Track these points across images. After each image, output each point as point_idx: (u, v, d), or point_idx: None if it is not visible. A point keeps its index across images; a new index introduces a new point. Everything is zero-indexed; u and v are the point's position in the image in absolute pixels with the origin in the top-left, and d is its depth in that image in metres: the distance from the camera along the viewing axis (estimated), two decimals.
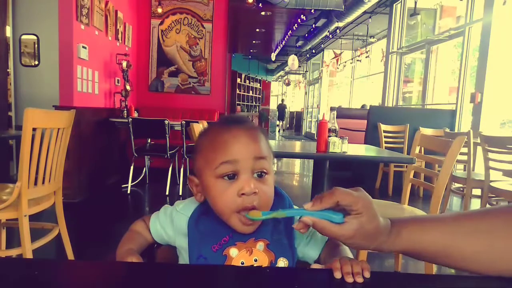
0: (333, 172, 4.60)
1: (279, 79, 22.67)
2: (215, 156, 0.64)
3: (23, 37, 4.10)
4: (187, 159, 4.11)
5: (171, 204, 0.75)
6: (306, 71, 17.41)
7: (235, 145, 0.64)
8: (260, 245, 0.66)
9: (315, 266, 0.62)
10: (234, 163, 0.63)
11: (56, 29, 3.51)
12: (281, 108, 17.71)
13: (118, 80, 4.68)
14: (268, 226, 0.68)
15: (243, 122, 0.68)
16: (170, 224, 0.72)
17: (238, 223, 0.63)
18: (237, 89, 14.63)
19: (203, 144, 0.68)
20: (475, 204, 3.82)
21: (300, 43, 11.00)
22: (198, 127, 2.08)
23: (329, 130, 2.03)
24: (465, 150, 3.23)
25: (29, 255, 1.64)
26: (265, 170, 0.65)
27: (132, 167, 4.02)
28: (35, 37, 4.11)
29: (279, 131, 15.48)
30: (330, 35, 9.42)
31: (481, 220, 0.51)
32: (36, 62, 4.15)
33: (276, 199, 0.70)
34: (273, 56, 13.17)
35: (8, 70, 3.93)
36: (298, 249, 0.70)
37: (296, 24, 8.23)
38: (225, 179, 0.64)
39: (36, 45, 4.10)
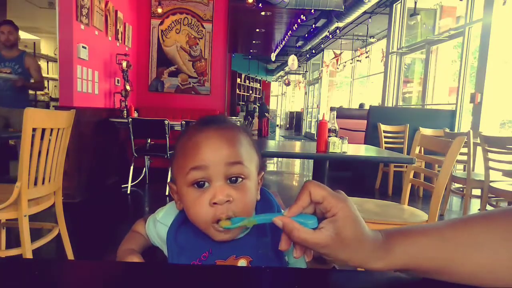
0: (333, 172, 4.61)
1: (279, 79, 22.68)
2: (185, 161, 0.59)
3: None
4: None
5: None
6: (306, 71, 17.41)
7: (205, 149, 0.58)
8: (242, 262, 0.61)
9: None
10: (204, 169, 0.58)
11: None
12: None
13: (118, 80, 4.68)
14: (250, 241, 0.62)
15: (217, 123, 0.62)
16: (155, 233, 0.70)
17: (214, 233, 0.59)
18: (237, 89, 14.64)
19: (177, 148, 0.63)
20: (475, 204, 3.82)
21: (300, 43, 11.00)
22: None
23: (329, 130, 2.03)
24: (465, 150, 3.23)
25: (29, 255, 1.64)
26: (242, 176, 0.60)
27: (132, 167, 4.02)
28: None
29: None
30: (330, 35, 9.43)
31: (482, 227, 0.45)
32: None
33: (261, 204, 0.65)
34: (273, 56, 13.18)
35: None
36: (290, 262, 0.64)
37: (296, 24, 8.24)
38: (195, 187, 0.59)
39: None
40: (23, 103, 3.27)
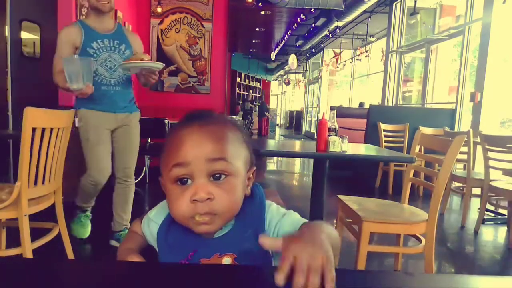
0: (333, 172, 4.60)
1: (279, 78, 22.67)
2: (168, 158, 0.59)
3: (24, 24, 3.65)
4: None
5: None
6: (306, 70, 17.40)
7: (186, 146, 0.57)
8: (227, 260, 0.60)
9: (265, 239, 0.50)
10: (186, 165, 0.57)
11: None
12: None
13: None
14: (233, 238, 0.61)
15: (202, 118, 0.61)
16: (149, 232, 0.70)
17: (195, 227, 0.59)
18: (237, 89, 14.63)
19: (164, 145, 0.62)
20: (475, 203, 3.82)
21: (299, 42, 10.99)
22: None
23: (329, 129, 2.02)
24: (465, 149, 3.23)
25: (29, 254, 1.64)
26: (226, 172, 0.58)
27: None
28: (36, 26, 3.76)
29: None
30: (330, 35, 9.42)
31: None
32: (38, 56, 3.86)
33: (249, 200, 0.64)
34: (272, 56, 13.17)
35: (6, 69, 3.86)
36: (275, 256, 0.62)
37: (295, 24, 8.23)
38: (178, 184, 0.58)
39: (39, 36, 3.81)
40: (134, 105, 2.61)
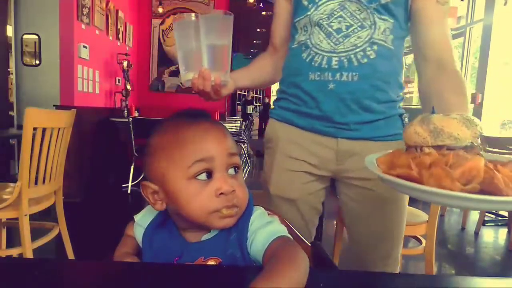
0: None
1: None
2: (185, 154, 0.58)
3: (25, 36, 4.01)
4: None
5: None
6: None
7: (209, 141, 0.59)
8: (211, 264, 0.60)
9: None
10: (209, 160, 0.57)
11: (57, 28, 3.50)
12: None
13: (118, 79, 4.68)
14: (218, 242, 0.60)
15: (205, 117, 0.64)
16: (136, 235, 0.69)
17: (216, 221, 0.58)
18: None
19: (163, 143, 0.61)
20: None
21: None
22: None
23: None
24: None
25: (29, 254, 1.64)
26: (238, 166, 0.61)
27: (132, 167, 4.02)
28: (36, 37, 4.06)
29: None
30: None
31: None
32: (37, 62, 4.11)
33: None
34: None
35: (9, 69, 3.91)
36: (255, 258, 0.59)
37: None
38: (198, 179, 0.57)
39: (37, 45, 4.04)
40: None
